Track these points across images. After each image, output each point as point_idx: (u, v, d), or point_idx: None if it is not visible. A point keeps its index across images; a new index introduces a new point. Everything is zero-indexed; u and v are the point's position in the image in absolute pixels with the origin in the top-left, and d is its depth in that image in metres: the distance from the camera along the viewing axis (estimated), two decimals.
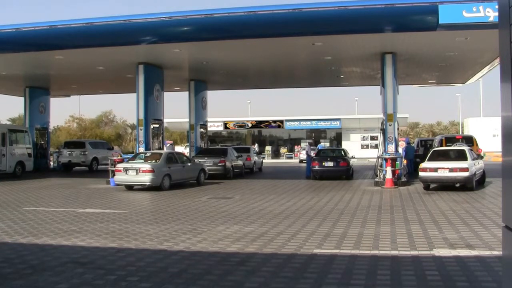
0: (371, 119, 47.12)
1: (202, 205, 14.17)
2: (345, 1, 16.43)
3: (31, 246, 8.57)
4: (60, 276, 6.60)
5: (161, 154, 19.48)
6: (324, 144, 49.35)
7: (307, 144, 26.12)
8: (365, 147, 50.43)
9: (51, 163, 33.30)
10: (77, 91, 36.31)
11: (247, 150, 29.15)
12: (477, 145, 26.04)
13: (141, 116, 22.83)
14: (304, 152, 24.61)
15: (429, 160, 17.77)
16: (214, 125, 49.75)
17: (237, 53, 21.36)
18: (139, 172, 17.96)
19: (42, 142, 31.68)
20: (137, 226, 10.55)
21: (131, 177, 18.16)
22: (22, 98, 30.97)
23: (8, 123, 58.51)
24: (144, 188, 18.28)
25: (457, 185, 17.08)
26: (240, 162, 25.68)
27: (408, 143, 28.96)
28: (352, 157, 25.28)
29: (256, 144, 47.77)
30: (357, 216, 11.76)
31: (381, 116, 21.64)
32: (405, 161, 26.12)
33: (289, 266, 7.10)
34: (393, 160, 19.56)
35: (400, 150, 22.86)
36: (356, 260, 7.42)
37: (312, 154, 25.14)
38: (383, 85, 20.96)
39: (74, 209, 13.23)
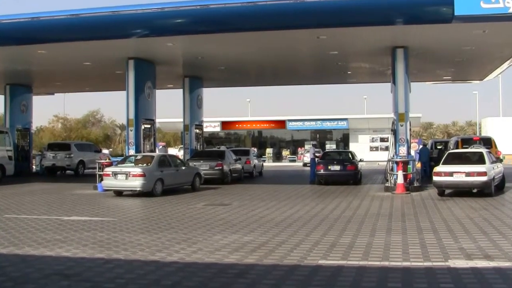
0: (381, 119, 47.11)
1: (198, 212, 14.17)
2: None
3: (12, 257, 8.57)
4: None
5: (153, 157, 19.48)
6: (331, 146, 49.44)
7: (312, 146, 26.04)
8: (374, 149, 50.41)
9: (34, 166, 33.27)
10: (61, 89, 36.32)
11: (246, 153, 29.15)
12: (496, 147, 26.06)
13: (131, 115, 22.82)
14: (308, 154, 24.54)
15: (444, 163, 17.77)
16: (211, 125, 49.77)
17: (236, 48, 21.37)
18: (129, 177, 17.96)
19: (24, 144, 31.65)
20: (127, 235, 10.56)
21: (121, 182, 18.16)
22: (2, 96, 30.99)
23: None
24: (134, 194, 18.28)
25: (475, 190, 17.06)
26: (238, 166, 25.69)
27: (425, 145, 28.98)
28: (360, 160, 25.29)
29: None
30: (366, 224, 11.76)
31: (392, 115, 21.64)
32: (419, 164, 26.14)
33: (292, 279, 7.10)
34: (405, 164, 19.55)
35: (413, 152, 22.86)
36: (365, 272, 7.42)
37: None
38: (394, 82, 20.97)
39: (58, 217, 13.23)
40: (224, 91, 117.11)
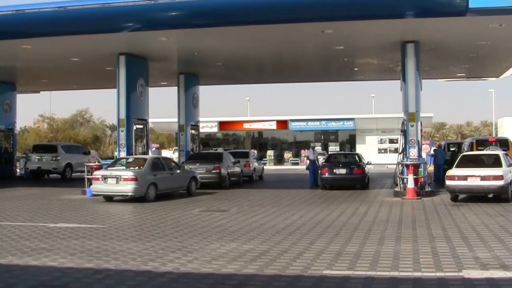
0: (390, 119, 47.17)
1: (194, 219, 14.19)
2: None
3: None
4: None
5: (145, 159, 19.50)
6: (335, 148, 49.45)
7: (311, 148, 25.98)
8: (383, 151, 50.45)
9: (18, 170, 33.28)
10: (47, 87, 36.32)
11: (246, 155, 29.18)
12: None
13: (122, 115, 22.83)
14: (312, 157, 24.42)
15: (458, 166, 17.77)
16: (207, 125, 49.79)
17: (234, 42, 21.39)
18: (119, 181, 17.97)
19: (7, 146, 31.64)
20: (117, 243, 10.57)
21: (111, 187, 18.16)
22: None
23: None
24: (125, 199, 18.30)
25: (490, 195, 17.09)
26: (237, 169, 25.71)
27: (439, 146, 29.03)
28: (368, 163, 25.32)
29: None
30: (374, 231, 11.78)
31: (402, 115, 21.65)
32: (432, 167, 26.14)
33: None
34: (416, 167, 19.56)
35: (424, 155, 22.87)
36: (373, 283, 7.43)
37: (321, 160, 25.08)
38: (404, 80, 20.99)
39: (44, 224, 13.24)
40: (222, 89, 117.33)
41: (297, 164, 49.87)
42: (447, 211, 15.30)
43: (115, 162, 20.70)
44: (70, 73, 28.05)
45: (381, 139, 51.40)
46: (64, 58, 23.64)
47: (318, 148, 47.75)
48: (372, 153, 46.57)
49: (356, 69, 27.95)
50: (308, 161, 24.39)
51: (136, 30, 18.71)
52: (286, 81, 36.84)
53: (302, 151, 51.76)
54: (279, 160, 53.46)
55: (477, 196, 17.39)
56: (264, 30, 18.97)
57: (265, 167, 34.33)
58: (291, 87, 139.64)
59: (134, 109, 23.32)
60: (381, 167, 39.40)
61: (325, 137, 54.18)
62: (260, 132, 56.64)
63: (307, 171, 24.86)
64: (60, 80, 31.08)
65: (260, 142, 56.96)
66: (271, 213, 15.27)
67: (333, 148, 50.51)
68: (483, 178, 16.79)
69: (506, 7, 15.11)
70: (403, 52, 20.81)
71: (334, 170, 22.94)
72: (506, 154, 19.43)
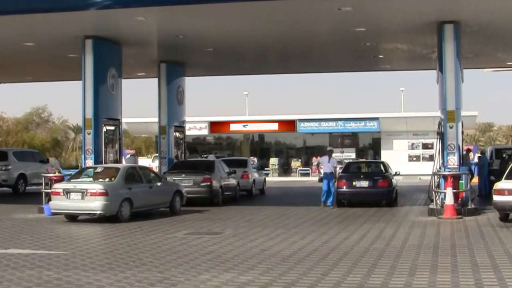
0: (424, 118, 47.27)
1: (178, 243, 14.21)
2: None
3: None
4: None
5: (118, 169, 19.52)
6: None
7: (327, 155, 24.78)
8: (414, 159, 50.46)
9: None
10: None
11: (244, 164, 29.19)
12: None
13: (89, 114, 22.82)
14: (327, 165, 23.58)
15: (508, 178, 17.77)
16: (196, 127, 49.76)
17: (229, 23, 21.40)
18: (86, 196, 17.95)
19: None
20: (83, 274, 10.56)
21: (75, 203, 18.15)
22: None
23: None
24: (93, 219, 18.31)
25: None
26: (233, 181, 25.72)
27: (483, 153, 29.08)
28: (396, 174, 25.36)
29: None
30: (403, 259, 11.79)
31: (438, 114, 21.66)
32: (475, 179, 26.10)
33: None
34: (456, 179, 19.55)
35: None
36: None
37: (339, 169, 25.02)
38: (441, 70, 21.01)
39: None
40: (214, 81, 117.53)
41: (307, 175, 49.86)
42: (495, 233, 15.32)
43: (80, 172, 20.67)
44: (23, 62, 28.08)
45: (412, 144, 51.36)
46: (15, 43, 23.63)
47: (338, 156, 47.59)
48: (401, 161, 46.60)
49: (381, 56, 27.98)
50: (322, 171, 23.66)
51: (107, 7, 18.73)
52: (294, 71, 36.91)
53: (314, 158, 51.73)
54: (285, 170, 53.47)
55: None
56: (266, 7, 18.97)
57: (267, 178, 34.35)
58: (299, 79, 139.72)
59: (104, 106, 23.31)
60: (413, 179, 39.42)
61: (342, 141, 54.11)
62: (261, 135, 56.64)
63: (322, 184, 24.05)
64: (10, 70, 31.07)
65: (261, 147, 56.98)
66: (274, 236, 15.28)
67: (347, 155, 50.37)
68: None
69: None
70: (440, 35, 20.81)
71: (354, 183, 22.90)
72: None
